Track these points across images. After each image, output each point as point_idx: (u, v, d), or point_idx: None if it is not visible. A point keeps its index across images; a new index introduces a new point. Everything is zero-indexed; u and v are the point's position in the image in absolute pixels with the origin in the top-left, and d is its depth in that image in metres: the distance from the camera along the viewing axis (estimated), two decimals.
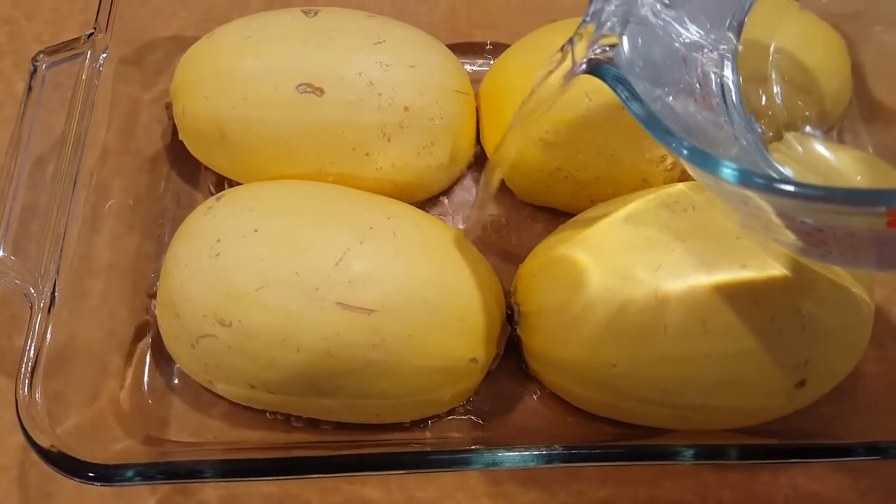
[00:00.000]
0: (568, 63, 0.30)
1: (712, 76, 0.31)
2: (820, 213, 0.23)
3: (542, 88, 0.32)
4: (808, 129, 0.34)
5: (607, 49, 0.28)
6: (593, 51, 0.29)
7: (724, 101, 0.31)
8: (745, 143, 0.31)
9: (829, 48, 0.37)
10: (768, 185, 0.23)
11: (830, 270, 0.34)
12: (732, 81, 0.31)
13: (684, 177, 0.40)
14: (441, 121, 0.40)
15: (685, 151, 0.24)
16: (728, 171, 0.23)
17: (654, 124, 0.25)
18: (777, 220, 0.24)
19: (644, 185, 0.39)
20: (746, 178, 0.22)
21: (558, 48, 0.39)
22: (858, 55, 0.34)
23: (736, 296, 0.32)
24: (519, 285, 0.38)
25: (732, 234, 0.34)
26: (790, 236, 0.25)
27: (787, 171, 0.31)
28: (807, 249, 0.25)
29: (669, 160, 0.39)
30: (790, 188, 0.23)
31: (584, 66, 0.29)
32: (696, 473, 0.39)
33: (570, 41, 0.30)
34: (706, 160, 0.23)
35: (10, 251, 0.35)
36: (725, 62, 0.32)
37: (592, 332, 0.34)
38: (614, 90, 0.27)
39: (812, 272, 0.34)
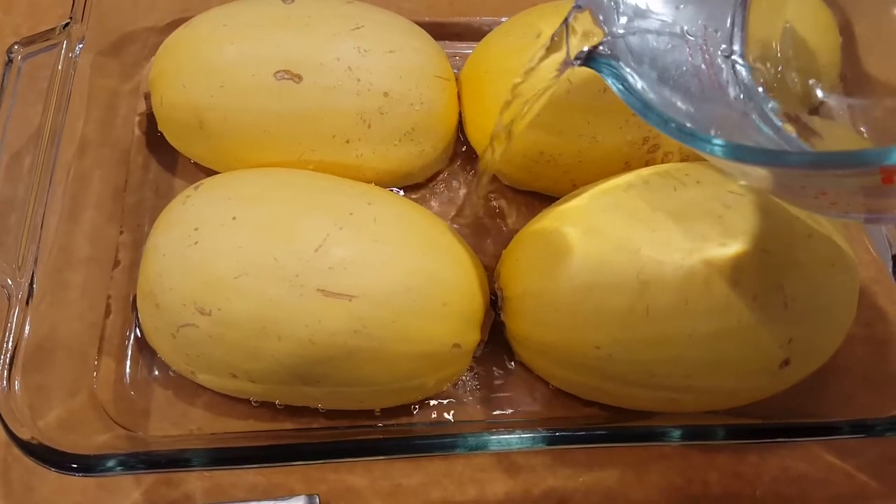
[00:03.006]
0: (561, 54, 0.30)
1: (720, 55, 0.31)
2: (816, 179, 0.23)
3: (530, 80, 0.32)
4: (819, 94, 0.34)
5: (603, 40, 0.29)
6: (588, 41, 0.29)
7: (736, 78, 0.31)
8: (755, 117, 0.31)
9: (818, 20, 0.36)
10: (760, 157, 0.24)
11: (814, 250, 0.34)
12: (741, 58, 0.31)
13: (666, 159, 0.40)
14: (421, 106, 0.40)
15: (683, 136, 0.25)
16: (719, 149, 0.24)
17: (652, 114, 0.26)
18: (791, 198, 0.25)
19: (626, 167, 0.39)
20: (737, 153, 0.23)
21: (537, 33, 0.39)
22: (851, 29, 0.34)
23: (718, 275, 0.32)
24: (502, 270, 0.38)
25: (714, 213, 0.33)
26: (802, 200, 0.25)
27: (803, 144, 0.31)
28: (822, 208, 0.26)
29: (651, 142, 0.39)
30: (782, 157, 0.23)
31: (579, 57, 0.29)
32: (683, 456, 0.39)
33: (565, 23, 0.30)
34: (701, 141, 0.24)
35: None
36: (734, 40, 0.32)
37: (575, 314, 0.34)
38: (610, 83, 0.27)
39: (795, 251, 0.33)
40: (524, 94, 0.33)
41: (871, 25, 0.34)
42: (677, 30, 0.31)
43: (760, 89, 0.31)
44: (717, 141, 0.24)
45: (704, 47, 0.31)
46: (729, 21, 0.31)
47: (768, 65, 0.32)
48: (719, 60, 0.31)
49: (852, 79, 0.33)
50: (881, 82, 0.33)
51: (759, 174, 0.25)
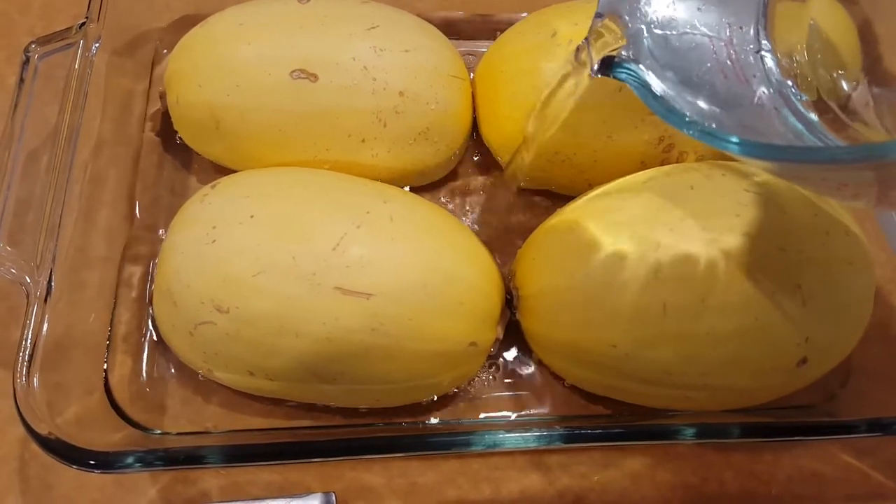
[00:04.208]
0: (586, 70, 0.30)
1: (748, 50, 0.31)
2: (835, 173, 0.23)
3: (559, 94, 0.32)
4: (846, 88, 0.34)
5: (625, 45, 0.29)
6: (610, 47, 0.29)
7: (765, 73, 0.31)
8: (785, 111, 0.31)
9: (837, 17, 0.36)
10: (778, 154, 0.24)
11: (831, 249, 0.34)
12: (770, 52, 0.31)
13: (681, 158, 0.40)
14: (436, 105, 0.40)
15: (704, 136, 0.25)
16: (736, 147, 0.24)
17: (674, 116, 0.26)
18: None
19: (641, 167, 0.39)
20: (755, 151, 0.24)
21: (552, 32, 0.39)
22: (872, 28, 0.34)
23: (735, 273, 0.32)
24: (517, 269, 0.38)
25: (731, 211, 0.33)
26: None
27: (833, 137, 0.31)
28: (844, 197, 0.26)
29: (666, 141, 0.39)
30: (798, 153, 0.24)
31: (597, 66, 0.29)
32: (699, 455, 0.39)
33: (588, 36, 0.30)
34: (720, 140, 0.24)
35: (5, 242, 0.35)
36: (761, 35, 0.32)
37: (591, 312, 0.34)
38: (632, 87, 0.28)
39: (813, 249, 0.33)
40: (549, 112, 0.34)
41: (891, 24, 0.34)
42: (701, 29, 0.31)
43: (790, 82, 0.31)
44: (735, 139, 0.24)
45: (730, 44, 0.31)
46: (755, 17, 0.32)
47: (795, 58, 0.32)
48: (747, 57, 0.31)
49: (874, 75, 0.33)
50: None
51: (782, 167, 0.25)
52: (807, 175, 0.26)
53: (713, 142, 0.25)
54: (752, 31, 0.31)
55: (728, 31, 0.31)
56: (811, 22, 0.33)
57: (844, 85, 0.32)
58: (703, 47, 0.30)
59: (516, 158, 0.37)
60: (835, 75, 0.32)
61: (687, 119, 0.26)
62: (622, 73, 0.29)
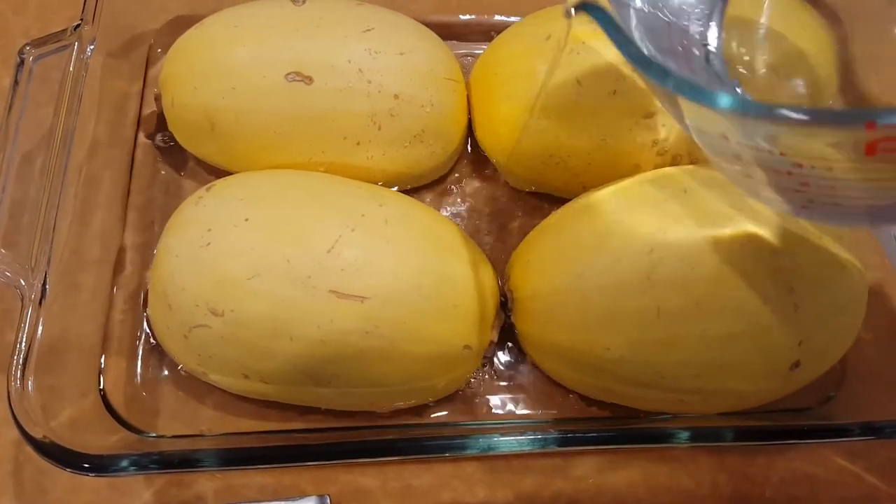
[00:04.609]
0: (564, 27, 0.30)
1: (696, 42, 0.31)
2: (800, 139, 0.23)
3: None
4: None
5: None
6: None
7: (709, 67, 0.31)
8: None
9: (814, 35, 0.37)
10: (764, 111, 0.22)
11: (823, 253, 0.34)
12: (717, 48, 0.31)
13: (675, 161, 0.40)
14: (432, 108, 0.40)
15: (681, 85, 0.23)
16: (726, 101, 0.22)
17: (653, 67, 0.24)
18: (761, 173, 0.24)
19: (636, 170, 0.39)
20: (744, 107, 0.22)
21: (547, 35, 0.39)
22: (850, 48, 0.34)
23: (728, 277, 0.32)
24: (512, 272, 0.38)
25: (724, 215, 0.34)
26: (772, 191, 0.25)
27: None
28: (792, 206, 0.26)
29: (660, 145, 0.39)
30: (782, 112, 0.23)
31: (573, 9, 0.28)
32: (693, 458, 0.39)
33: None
34: (699, 92, 0.23)
35: None
36: (710, 29, 0.32)
37: (585, 316, 0.34)
38: (606, 30, 0.26)
39: (805, 254, 0.34)
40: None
41: (868, 44, 0.34)
42: (664, 11, 0.31)
43: (735, 84, 0.31)
44: (724, 94, 0.22)
45: (684, 33, 0.31)
46: (709, 11, 0.32)
47: (744, 63, 0.32)
48: (693, 49, 0.31)
49: (851, 95, 0.33)
50: (879, 101, 0.33)
51: (735, 148, 0.24)
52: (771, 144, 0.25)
53: (695, 95, 0.23)
54: (703, 25, 0.31)
55: (687, 19, 0.31)
56: (766, 28, 0.33)
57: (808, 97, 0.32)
58: (662, 30, 0.30)
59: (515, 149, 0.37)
60: (800, 87, 0.33)
61: (666, 71, 0.24)
62: (598, 13, 0.26)
